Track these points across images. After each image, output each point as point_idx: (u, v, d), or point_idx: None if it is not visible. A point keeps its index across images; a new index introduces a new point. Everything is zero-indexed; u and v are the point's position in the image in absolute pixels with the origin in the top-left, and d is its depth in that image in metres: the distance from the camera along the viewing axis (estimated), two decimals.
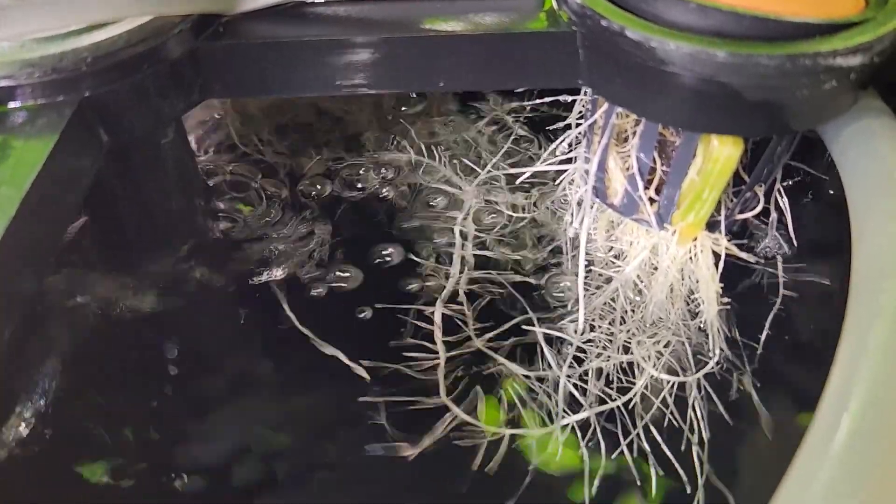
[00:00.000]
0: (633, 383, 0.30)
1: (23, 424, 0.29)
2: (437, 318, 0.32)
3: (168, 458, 0.29)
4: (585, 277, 0.31)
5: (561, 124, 0.34)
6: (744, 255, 0.32)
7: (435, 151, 0.41)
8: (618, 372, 0.30)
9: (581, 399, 0.29)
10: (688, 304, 0.32)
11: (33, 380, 0.30)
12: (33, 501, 0.27)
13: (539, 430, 0.29)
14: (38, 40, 0.26)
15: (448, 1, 0.31)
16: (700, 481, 0.27)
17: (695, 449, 0.28)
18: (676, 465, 0.27)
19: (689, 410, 0.29)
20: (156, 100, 0.28)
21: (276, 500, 0.28)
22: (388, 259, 0.36)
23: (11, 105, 0.25)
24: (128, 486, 0.27)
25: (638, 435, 0.28)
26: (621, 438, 0.28)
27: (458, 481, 0.27)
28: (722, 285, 0.31)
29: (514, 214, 0.37)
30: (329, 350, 0.31)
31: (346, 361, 0.31)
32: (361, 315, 0.33)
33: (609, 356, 0.30)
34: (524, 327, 0.32)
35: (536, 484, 0.27)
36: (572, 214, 0.34)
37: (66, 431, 0.29)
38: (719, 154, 0.27)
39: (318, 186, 0.40)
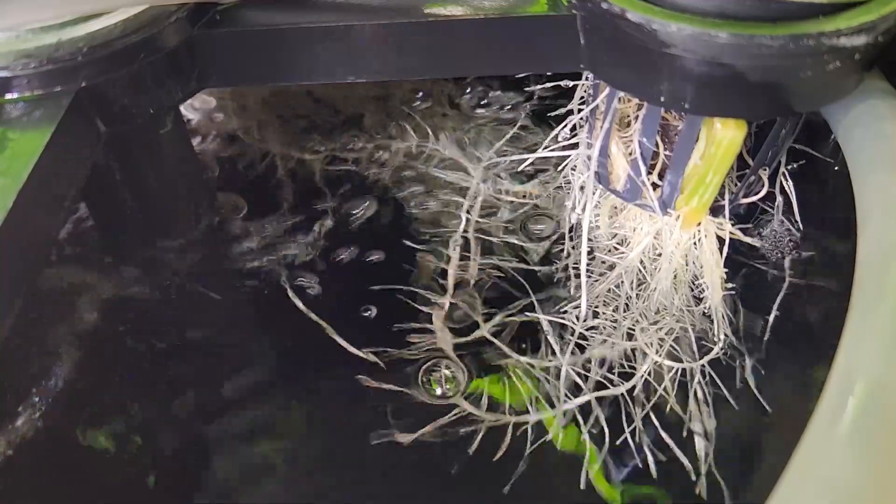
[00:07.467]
0: (637, 370, 0.29)
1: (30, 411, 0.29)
2: (444, 301, 0.33)
3: (174, 439, 0.29)
4: (588, 264, 0.31)
5: (563, 110, 0.34)
6: (748, 239, 0.32)
7: (438, 137, 0.41)
8: (621, 359, 0.30)
9: (583, 385, 0.29)
10: (692, 290, 0.31)
11: (36, 375, 0.30)
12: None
13: (539, 415, 0.29)
14: (34, 31, 0.25)
15: None
16: (703, 467, 0.27)
17: (697, 435, 0.28)
18: (679, 450, 0.27)
19: (693, 397, 0.29)
20: (153, 89, 0.27)
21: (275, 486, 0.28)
22: (390, 245, 0.36)
23: (8, 96, 0.25)
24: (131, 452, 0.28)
25: (641, 421, 0.28)
26: (625, 425, 0.28)
27: (459, 466, 0.27)
28: (726, 270, 0.30)
29: (517, 200, 0.37)
30: (333, 335, 0.32)
31: (351, 349, 0.31)
32: (364, 301, 0.33)
33: (613, 343, 0.30)
34: (527, 314, 0.32)
35: (536, 468, 0.27)
36: (575, 200, 0.33)
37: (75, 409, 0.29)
38: (723, 137, 0.26)
39: (319, 173, 0.40)
